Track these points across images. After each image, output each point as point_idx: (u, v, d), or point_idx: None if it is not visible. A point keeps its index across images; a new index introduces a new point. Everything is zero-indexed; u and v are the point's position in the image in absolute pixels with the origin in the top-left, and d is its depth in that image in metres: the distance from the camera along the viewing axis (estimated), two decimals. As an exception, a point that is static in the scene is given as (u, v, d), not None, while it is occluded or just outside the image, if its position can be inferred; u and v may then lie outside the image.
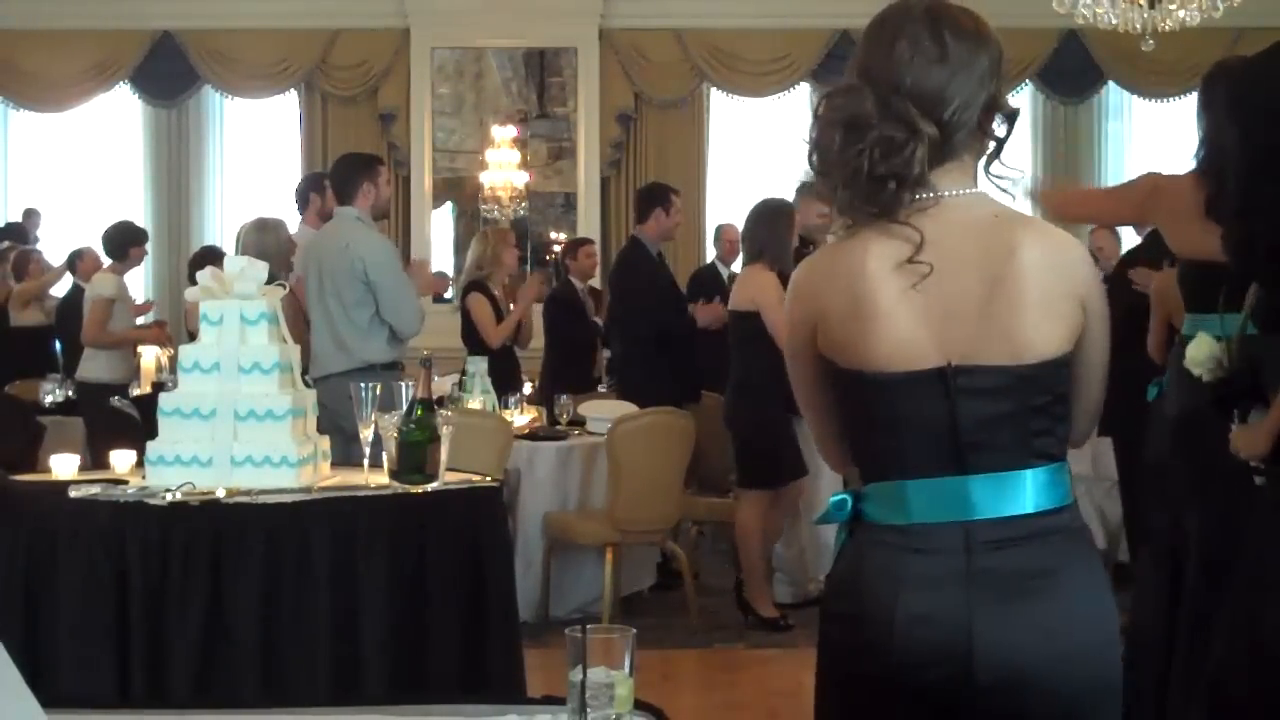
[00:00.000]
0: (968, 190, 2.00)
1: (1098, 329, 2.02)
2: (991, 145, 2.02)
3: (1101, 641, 1.98)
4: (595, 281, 8.97)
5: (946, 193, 1.98)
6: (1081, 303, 1.98)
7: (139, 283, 10.87)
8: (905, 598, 1.93)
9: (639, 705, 1.90)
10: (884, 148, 1.93)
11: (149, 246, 11.18)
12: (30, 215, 11.15)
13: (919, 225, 1.94)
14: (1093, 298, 2.00)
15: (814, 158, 2.00)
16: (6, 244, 10.40)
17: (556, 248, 10.77)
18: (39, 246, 10.92)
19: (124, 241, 7.93)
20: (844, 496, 2.05)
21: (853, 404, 2.03)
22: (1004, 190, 2.04)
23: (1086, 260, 2.03)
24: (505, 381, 6.99)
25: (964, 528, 1.93)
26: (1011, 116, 2.03)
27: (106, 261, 8.09)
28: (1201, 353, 3.13)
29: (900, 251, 1.94)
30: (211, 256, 6.72)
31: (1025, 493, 1.95)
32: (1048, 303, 1.94)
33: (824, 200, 2.11)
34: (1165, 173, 4.06)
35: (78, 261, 9.72)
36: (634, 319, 7.21)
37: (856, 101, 1.95)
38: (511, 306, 7.48)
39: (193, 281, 3.97)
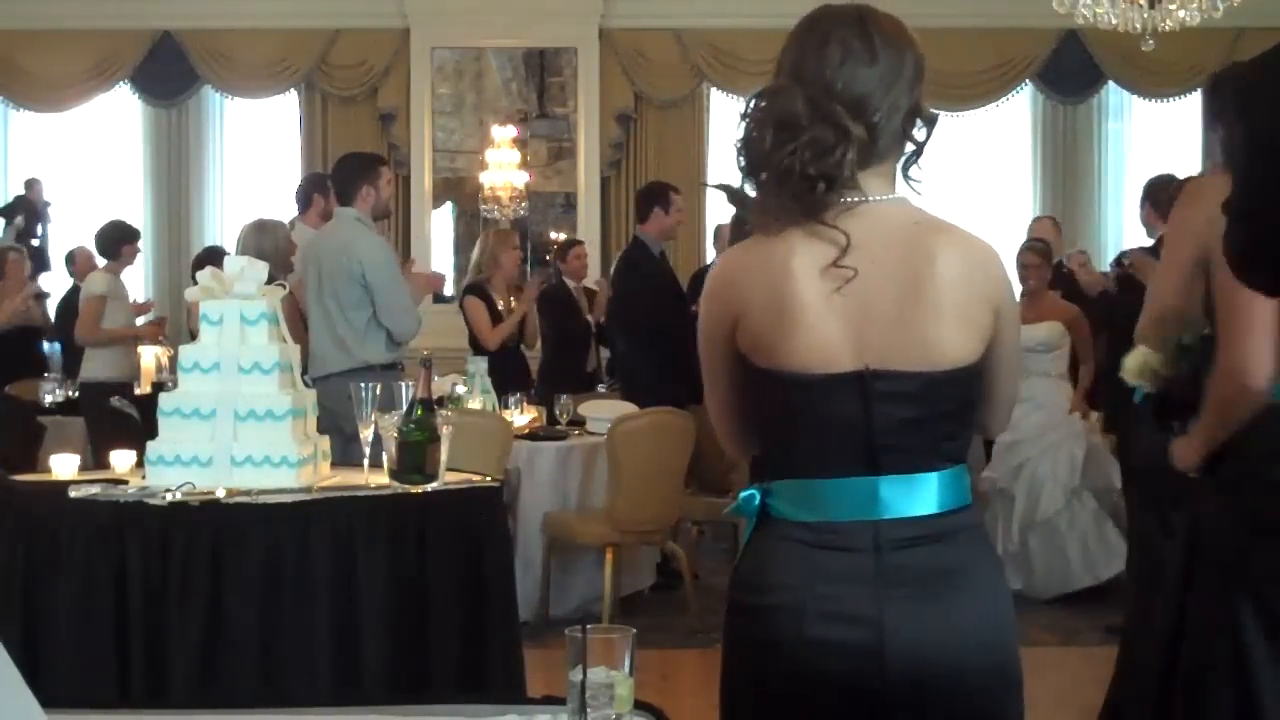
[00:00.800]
0: (891, 195, 2.04)
1: (1009, 333, 2.07)
2: (910, 148, 2.06)
3: (1005, 635, 2.04)
4: (591, 282, 8.98)
5: (871, 197, 2.01)
6: (995, 309, 2.03)
7: (139, 282, 10.87)
8: (816, 593, 1.98)
9: (639, 705, 1.91)
10: (815, 149, 1.96)
11: (150, 246, 11.33)
12: (33, 185, 11.13)
13: (845, 228, 1.97)
14: (1005, 304, 2.06)
15: (743, 157, 2.02)
16: (19, 219, 10.44)
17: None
18: (50, 214, 10.95)
19: (116, 240, 7.96)
20: (753, 491, 2.08)
21: (768, 402, 2.05)
22: (919, 194, 2.07)
23: (1001, 268, 2.08)
24: (513, 382, 7.00)
25: (874, 526, 1.98)
26: (931, 122, 2.07)
27: (102, 261, 8.12)
28: (1136, 363, 3.17)
29: (825, 254, 1.97)
30: (214, 257, 6.72)
31: (932, 494, 2.00)
32: (963, 311, 1.98)
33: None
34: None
35: (71, 263, 9.76)
36: (636, 318, 7.22)
37: (787, 102, 1.98)
38: (514, 306, 7.50)
39: (195, 282, 3.97)
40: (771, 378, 2.00)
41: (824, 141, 1.96)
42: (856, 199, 1.99)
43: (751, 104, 2.03)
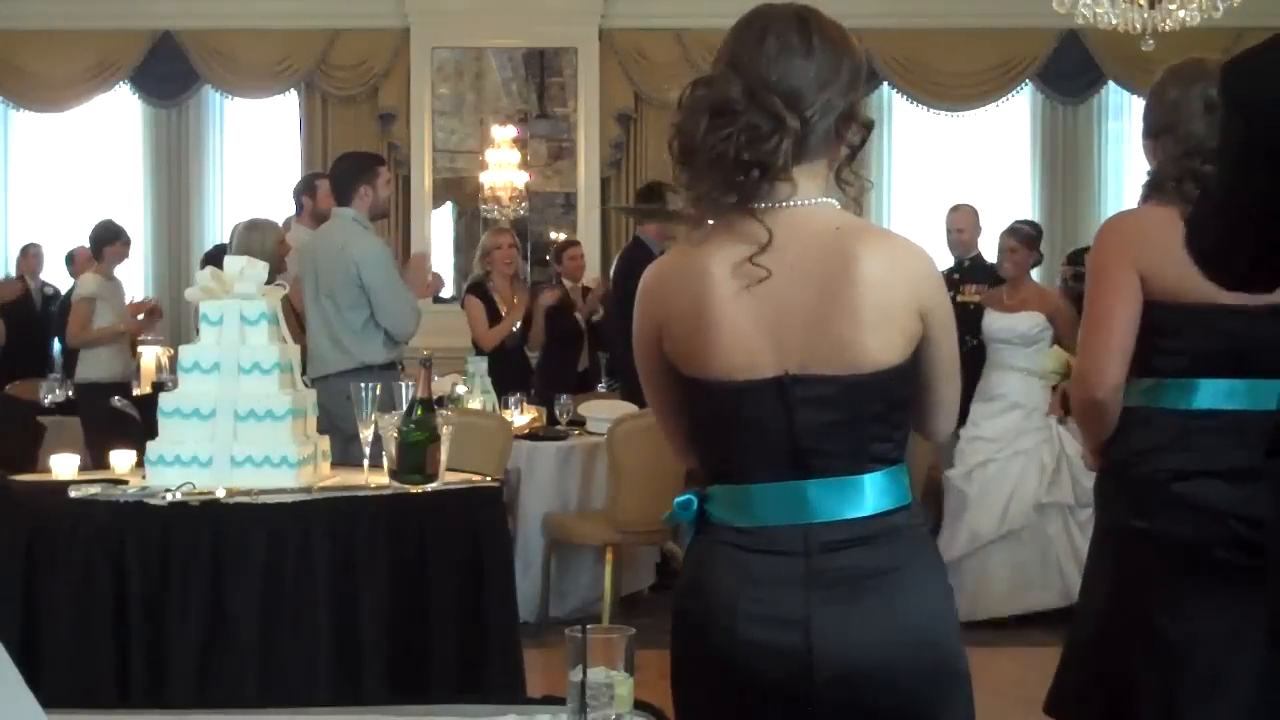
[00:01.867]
0: (816, 199, 2.03)
1: (941, 336, 2.06)
2: (845, 152, 2.05)
3: (941, 632, 2.03)
4: (589, 280, 8.99)
5: (797, 201, 2.00)
6: (921, 312, 2.01)
7: (138, 282, 10.87)
8: (746, 597, 1.98)
9: (639, 705, 1.91)
10: (750, 135, 1.97)
11: (149, 246, 11.33)
12: (28, 250, 10.96)
13: (769, 225, 1.97)
14: (935, 307, 2.03)
15: (676, 144, 2.04)
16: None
17: (556, 248, 10.80)
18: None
19: (99, 241, 7.99)
20: (689, 497, 2.10)
21: (696, 409, 2.07)
22: (853, 199, 2.07)
23: (929, 271, 2.05)
24: (513, 381, 7.00)
25: (804, 530, 1.98)
26: (868, 127, 2.07)
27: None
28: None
29: (744, 254, 1.97)
30: (220, 256, 6.73)
31: (864, 496, 2.00)
32: (884, 314, 1.97)
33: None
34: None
35: (71, 263, 9.76)
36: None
37: (723, 88, 2.00)
38: (517, 302, 7.51)
39: None
40: (697, 385, 2.02)
41: (759, 128, 1.96)
42: (785, 197, 1.99)
43: (688, 91, 2.05)
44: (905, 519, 2.03)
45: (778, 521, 1.99)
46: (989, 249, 7.41)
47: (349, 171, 5.85)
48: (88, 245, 8.22)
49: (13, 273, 10.58)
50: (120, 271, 8.26)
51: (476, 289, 7.49)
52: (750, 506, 2.01)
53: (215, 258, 6.52)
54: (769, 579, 1.98)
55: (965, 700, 2.06)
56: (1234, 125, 1.99)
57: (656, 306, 2.07)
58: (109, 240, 8.02)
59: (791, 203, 2.00)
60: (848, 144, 2.05)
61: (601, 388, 8.09)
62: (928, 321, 2.02)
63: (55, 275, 10.81)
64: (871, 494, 2.00)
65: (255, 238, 6.28)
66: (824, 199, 2.04)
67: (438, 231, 11.60)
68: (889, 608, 1.97)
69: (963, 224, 7.63)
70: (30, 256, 10.59)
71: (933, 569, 2.06)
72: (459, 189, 11.61)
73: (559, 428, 6.76)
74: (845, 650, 1.95)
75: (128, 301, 8.36)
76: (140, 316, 8.35)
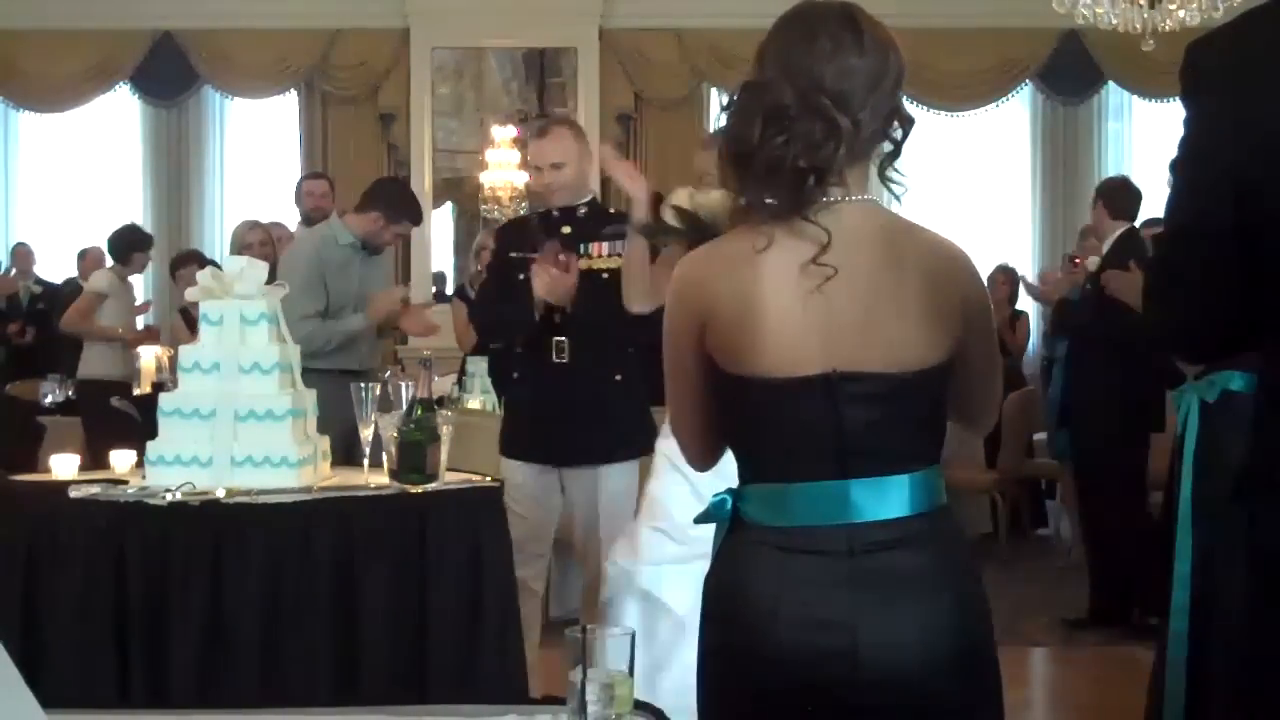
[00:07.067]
0: (862, 196, 2.02)
1: (981, 334, 2.06)
2: (889, 147, 2.04)
3: (981, 633, 2.02)
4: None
5: (841, 198, 1.99)
6: (964, 310, 2.01)
7: (138, 281, 10.86)
8: (788, 599, 1.95)
9: (639, 705, 1.91)
10: (806, 141, 1.94)
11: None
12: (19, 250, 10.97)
13: (824, 225, 1.96)
14: (975, 305, 2.04)
15: (728, 148, 2.00)
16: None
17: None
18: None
19: (127, 245, 8.01)
20: (724, 496, 2.06)
21: (735, 406, 2.03)
22: (895, 196, 2.06)
23: (972, 268, 2.06)
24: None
25: (846, 530, 1.95)
26: (909, 123, 2.05)
27: (109, 263, 8.15)
28: None
29: (799, 252, 1.95)
30: (191, 259, 6.86)
31: (905, 496, 1.98)
32: (931, 312, 1.96)
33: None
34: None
35: (81, 261, 9.78)
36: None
37: (776, 93, 1.96)
38: None
39: (174, 282, 3.99)
40: (739, 382, 1.99)
41: (813, 134, 1.94)
42: (836, 197, 1.98)
43: (739, 95, 2.01)
44: (942, 520, 2.02)
45: (819, 521, 1.96)
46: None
47: (375, 191, 5.86)
48: (107, 245, 8.20)
49: (11, 270, 10.61)
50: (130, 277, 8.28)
51: (460, 290, 7.54)
52: (789, 506, 1.98)
53: (183, 264, 6.56)
54: (811, 580, 1.95)
55: (998, 705, 2.06)
56: (1207, 108, 1.81)
57: (698, 301, 2.02)
58: (140, 248, 8.06)
59: (836, 200, 1.98)
60: (891, 140, 2.04)
61: (601, 388, 8.08)
62: (970, 319, 2.01)
63: (51, 274, 10.83)
64: (912, 494, 1.98)
65: (234, 238, 6.38)
66: (866, 196, 2.02)
67: (438, 232, 11.60)
68: (933, 609, 1.96)
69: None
70: (21, 255, 10.61)
71: (970, 572, 2.05)
72: (459, 189, 11.62)
73: (559, 428, 6.74)
74: (890, 653, 1.93)
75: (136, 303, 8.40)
76: (140, 321, 8.38)
